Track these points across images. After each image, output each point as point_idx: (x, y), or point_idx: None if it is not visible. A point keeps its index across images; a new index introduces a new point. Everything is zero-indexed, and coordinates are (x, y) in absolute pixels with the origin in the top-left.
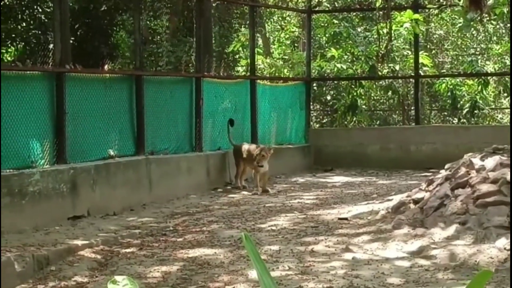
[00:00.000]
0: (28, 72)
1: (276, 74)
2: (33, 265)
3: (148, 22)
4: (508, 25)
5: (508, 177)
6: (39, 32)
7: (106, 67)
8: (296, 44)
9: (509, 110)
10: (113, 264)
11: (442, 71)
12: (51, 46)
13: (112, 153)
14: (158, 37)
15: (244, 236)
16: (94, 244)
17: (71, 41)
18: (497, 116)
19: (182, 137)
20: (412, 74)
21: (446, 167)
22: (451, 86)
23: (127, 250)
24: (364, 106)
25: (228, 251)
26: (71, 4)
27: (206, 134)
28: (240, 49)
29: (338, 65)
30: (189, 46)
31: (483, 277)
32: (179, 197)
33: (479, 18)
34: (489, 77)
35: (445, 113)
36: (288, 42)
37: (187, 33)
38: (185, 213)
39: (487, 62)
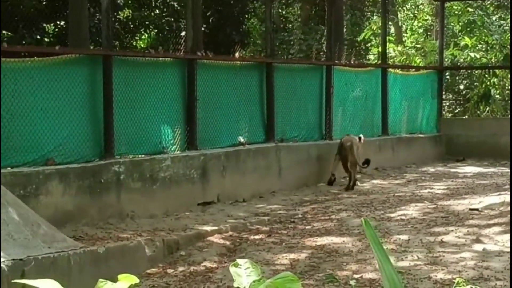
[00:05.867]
0: (160, 58)
1: (408, 63)
2: (163, 249)
3: (279, 10)
4: None
5: None
6: (172, 19)
7: (237, 54)
8: (429, 33)
9: None
10: (242, 250)
11: None
12: (183, 33)
13: (242, 140)
14: (290, 25)
15: (364, 221)
16: (223, 230)
17: (203, 29)
18: None
19: (312, 125)
20: None
21: None
22: None
23: (256, 237)
24: (497, 96)
25: (357, 239)
26: None
27: (336, 122)
28: (372, 37)
29: (472, 54)
30: (321, 34)
31: None
32: (308, 185)
33: None
34: None
35: None
36: (421, 30)
37: (319, 21)
38: (314, 201)
39: None
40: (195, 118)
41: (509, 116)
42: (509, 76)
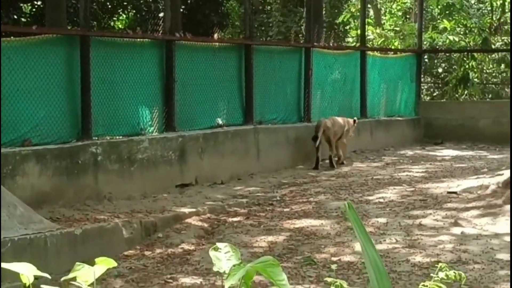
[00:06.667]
0: (138, 39)
1: (386, 46)
2: (141, 231)
3: None
4: None
5: None
6: (150, 0)
7: (216, 35)
8: (407, 16)
9: None
10: (220, 232)
11: None
12: (161, 14)
13: (220, 122)
14: (269, 7)
15: (348, 205)
16: (201, 212)
17: (181, 10)
18: None
19: (290, 107)
20: None
21: None
22: None
23: (234, 219)
24: (476, 79)
25: (335, 222)
26: None
27: (315, 105)
28: (351, 20)
29: (450, 37)
30: (300, 16)
31: None
32: (286, 167)
33: None
34: None
35: None
36: (400, 13)
37: (298, 3)
38: (293, 184)
39: None
40: (173, 99)
41: (486, 99)
42: (487, 59)
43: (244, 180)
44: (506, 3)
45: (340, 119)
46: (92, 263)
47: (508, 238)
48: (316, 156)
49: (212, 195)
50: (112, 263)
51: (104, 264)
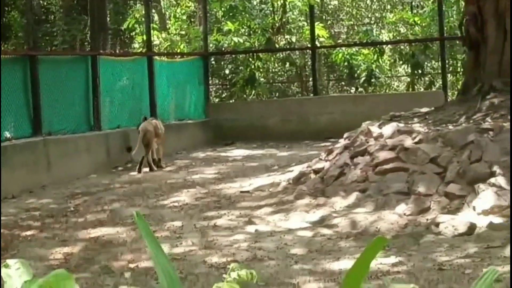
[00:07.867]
0: None
1: (173, 50)
2: None
3: (41, 1)
4: None
5: (406, 143)
6: None
7: None
8: (192, 19)
9: (405, 78)
10: (14, 247)
11: (338, 41)
12: None
13: (8, 135)
14: (52, 16)
15: (136, 214)
16: None
17: None
18: (393, 84)
19: (80, 117)
20: (309, 45)
21: (345, 136)
22: (348, 56)
23: (28, 233)
24: (262, 79)
25: (131, 229)
26: None
27: (104, 113)
28: (136, 25)
29: (235, 39)
30: (84, 24)
31: (377, 244)
32: (79, 177)
33: None
34: (384, 46)
35: (343, 83)
36: (185, 17)
37: (81, 11)
38: (86, 193)
39: (382, 31)
40: None
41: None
42: (272, 59)
43: (36, 193)
44: (287, 4)
45: (159, 122)
46: None
47: (300, 233)
48: (146, 159)
49: (4, 210)
50: None
51: None
